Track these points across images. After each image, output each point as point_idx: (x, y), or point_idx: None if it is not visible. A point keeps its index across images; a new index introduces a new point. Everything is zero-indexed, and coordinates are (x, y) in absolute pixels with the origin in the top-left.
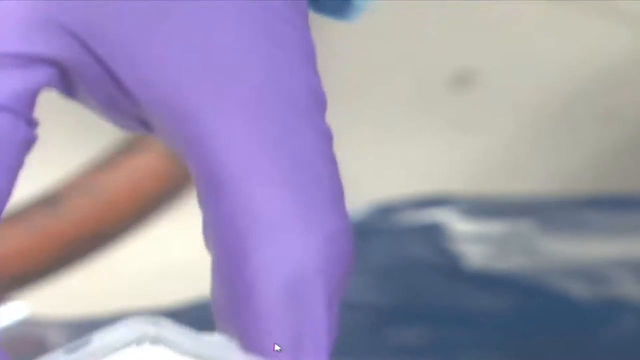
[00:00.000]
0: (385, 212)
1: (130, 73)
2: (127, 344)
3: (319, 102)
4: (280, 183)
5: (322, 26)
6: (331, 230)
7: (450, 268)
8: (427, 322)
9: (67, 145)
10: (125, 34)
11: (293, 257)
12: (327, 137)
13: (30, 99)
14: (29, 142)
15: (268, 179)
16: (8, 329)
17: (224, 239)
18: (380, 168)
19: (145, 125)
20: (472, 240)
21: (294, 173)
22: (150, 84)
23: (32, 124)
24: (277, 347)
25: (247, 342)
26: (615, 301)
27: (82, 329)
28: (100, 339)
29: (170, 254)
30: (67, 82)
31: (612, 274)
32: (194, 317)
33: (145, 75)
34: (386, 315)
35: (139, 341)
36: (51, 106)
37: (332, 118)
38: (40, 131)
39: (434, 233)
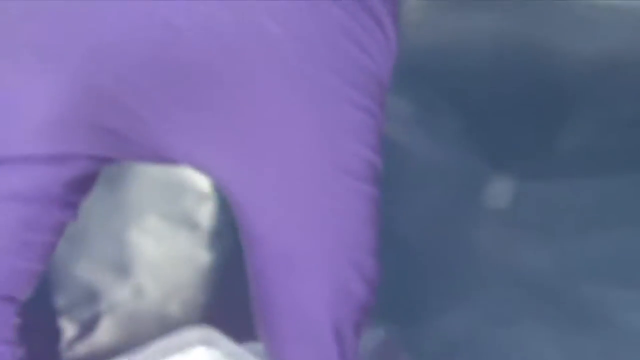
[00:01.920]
0: None
1: (170, 149)
2: (185, 346)
3: (368, 169)
4: (304, 242)
5: None
6: (346, 283)
7: None
8: None
9: None
10: (165, 117)
11: (305, 304)
12: (369, 199)
13: (65, 187)
14: (62, 224)
15: (292, 238)
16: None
17: (258, 282)
18: None
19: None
20: None
21: (320, 234)
22: (187, 156)
23: (68, 206)
24: None
25: None
26: None
27: None
28: (160, 344)
29: None
30: (107, 160)
31: None
32: None
33: (185, 149)
34: None
35: (195, 344)
36: None
37: None
38: None
39: None
